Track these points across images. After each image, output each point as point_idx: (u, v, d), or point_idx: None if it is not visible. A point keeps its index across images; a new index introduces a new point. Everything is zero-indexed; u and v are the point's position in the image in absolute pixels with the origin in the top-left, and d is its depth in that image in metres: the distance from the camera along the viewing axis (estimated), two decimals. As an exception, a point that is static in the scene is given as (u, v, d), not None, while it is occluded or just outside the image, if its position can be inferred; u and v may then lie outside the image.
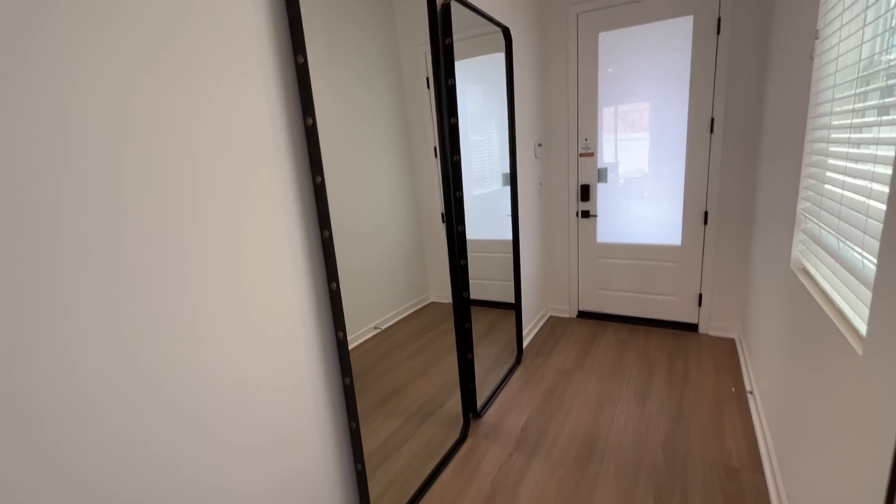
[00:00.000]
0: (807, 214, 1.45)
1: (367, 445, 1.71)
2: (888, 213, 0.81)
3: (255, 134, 1.00)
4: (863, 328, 0.95)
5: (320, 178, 1.13)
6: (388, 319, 2.14)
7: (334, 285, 1.20)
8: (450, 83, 1.71)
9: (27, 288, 0.67)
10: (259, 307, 1.03)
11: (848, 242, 1.07)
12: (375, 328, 2.06)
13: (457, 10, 1.77)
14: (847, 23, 1.16)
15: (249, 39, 0.98)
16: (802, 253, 1.50)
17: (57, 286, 0.70)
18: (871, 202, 0.94)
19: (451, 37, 1.68)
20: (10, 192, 0.65)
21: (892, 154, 0.85)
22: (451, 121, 1.75)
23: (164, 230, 0.83)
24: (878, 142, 0.94)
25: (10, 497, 0.66)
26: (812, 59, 1.40)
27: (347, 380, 1.26)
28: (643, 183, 2.85)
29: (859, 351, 0.92)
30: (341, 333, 1.23)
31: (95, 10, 0.72)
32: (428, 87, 2.14)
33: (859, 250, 0.99)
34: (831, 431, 1.06)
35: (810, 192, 1.43)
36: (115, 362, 0.78)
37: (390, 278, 2.10)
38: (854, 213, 1.02)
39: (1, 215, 0.64)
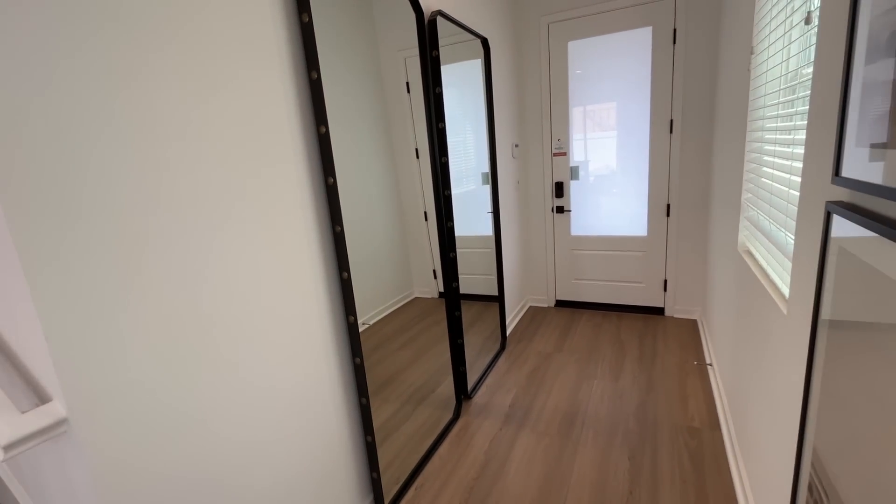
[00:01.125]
0: (749, 203, 1.69)
1: (370, 424, 1.85)
2: (801, 198, 1.02)
3: (278, 142, 1.14)
4: (787, 292, 1.17)
5: (332, 180, 1.28)
6: (374, 315, 2.28)
7: (345, 274, 1.34)
8: (437, 91, 1.88)
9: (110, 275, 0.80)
10: (282, 294, 1.17)
11: (776, 224, 1.30)
12: (363, 324, 2.20)
13: (441, 24, 1.94)
14: (773, 42, 1.39)
15: (272, 62, 1.12)
16: (746, 237, 1.74)
17: (131, 271, 0.83)
18: (791, 191, 1.16)
19: (437, 49, 1.85)
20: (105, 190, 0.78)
21: (803, 151, 1.07)
22: (439, 125, 1.92)
23: (207, 225, 0.97)
24: (794, 142, 1.16)
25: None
26: (748, 70, 1.64)
27: (358, 359, 1.41)
28: (612, 179, 3.10)
29: (784, 310, 1.14)
30: (352, 317, 1.38)
31: (164, 48, 0.86)
32: (408, 91, 2.30)
33: (784, 230, 1.22)
34: (767, 386, 1.29)
35: (751, 185, 1.67)
36: (170, 338, 0.91)
37: (376, 275, 2.24)
38: (779, 199, 1.25)
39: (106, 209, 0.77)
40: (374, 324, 2.32)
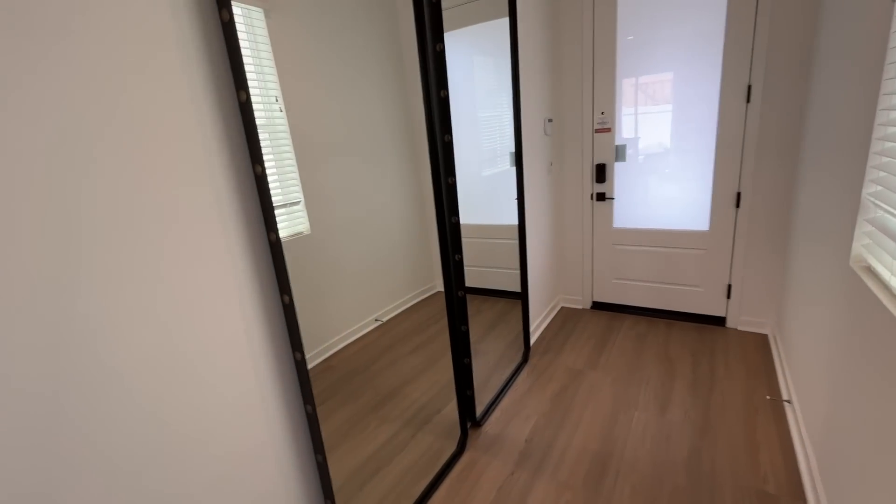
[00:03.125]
0: (876, 201, 1.16)
1: (357, 457, 1.55)
2: None
3: (171, 112, 0.78)
4: (977, 365, 0.70)
5: (261, 169, 0.90)
6: (390, 311, 1.96)
7: (287, 298, 0.98)
8: (438, 48, 1.45)
9: None
10: (193, 332, 0.83)
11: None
12: (376, 320, 1.89)
13: (446, -40, 1.49)
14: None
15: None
16: (868, 247, 1.22)
17: None
18: None
19: (437, -10, 1.41)
20: None
21: None
22: (441, 94, 1.49)
23: (51, 235, 0.63)
24: None
25: None
26: (894, 1, 1.10)
27: (310, 407, 1.06)
28: (666, 161, 2.55)
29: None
30: (299, 354, 1.02)
31: None
32: (430, 59, 1.89)
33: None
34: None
35: (882, 174, 1.14)
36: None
37: (391, 268, 1.93)
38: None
39: None
40: (389, 320, 2.01)
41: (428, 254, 2.18)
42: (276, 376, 1.03)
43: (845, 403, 1.22)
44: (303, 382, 1.06)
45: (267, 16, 1.03)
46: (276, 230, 0.94)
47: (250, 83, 0.89)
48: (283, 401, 1.05)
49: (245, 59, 0.86)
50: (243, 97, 0.87)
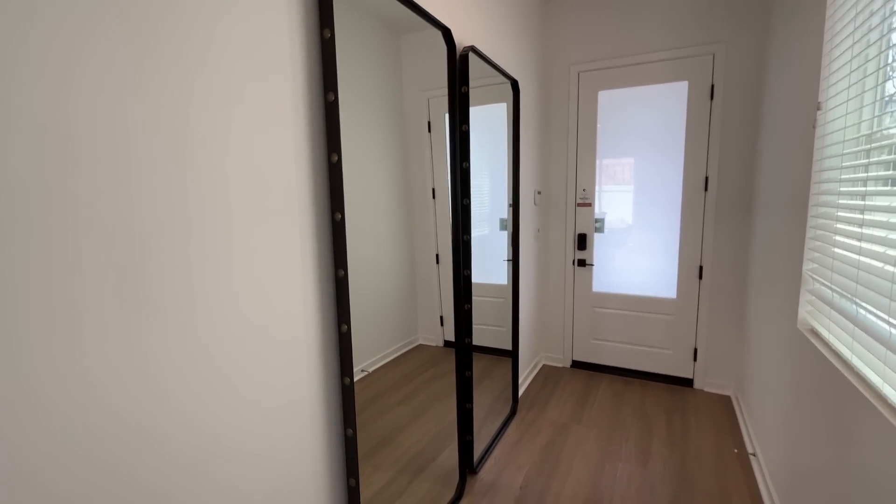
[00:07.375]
0: (814, 276, 1.47)
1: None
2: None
3: (279, 169, 0.97)
4: (894, 396, 0.93)
5: (340, 216, 1.09)
6: (375, 361, 2.04)
7: (345, 327, 1.13)
8: (464, 129, 1.74)
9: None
10: (269, 344, 0.96)
11: (868, 306, 1.07)
12: (363, 371, 1.96)
13: (472, 61, 1.83)
14: (853, 98, 1.23)
15: (283, 77, 0.97)
16: (811, 313, 1.50)
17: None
18: (889, 268, 0.95)
19: (467, 85, 1.73)
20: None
21: (920, 223, 0.87)
22: (463, 165, 1.76)
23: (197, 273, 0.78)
24: (893, 210, 0.96)
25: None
26: (814, 127, 1.47)
27: (350, 430, 1.17)
28: (640, 235, 2.90)
29: (893, 421, 0.89)
30: (348, 379, 1.15)
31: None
32: (429, 130, 2.18)
33: (885, 317, 0.99)
34: (859, 501, 1.02)
35: (817, 254, 1.45)
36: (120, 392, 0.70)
37: (379, 319, 2.03)
38: (877, 279, 1.03)
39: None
40: (374, 371, 2.08)
41: (413, 307, 2.33)
42: (325, 399, 1.14)
43: (803, 452, 1.43)
44: (346, 405, 1.17)
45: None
46: (345, 267, 1.11)
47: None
48: (326, 423, 1.15)
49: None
50: (331, 97, 1.07)
